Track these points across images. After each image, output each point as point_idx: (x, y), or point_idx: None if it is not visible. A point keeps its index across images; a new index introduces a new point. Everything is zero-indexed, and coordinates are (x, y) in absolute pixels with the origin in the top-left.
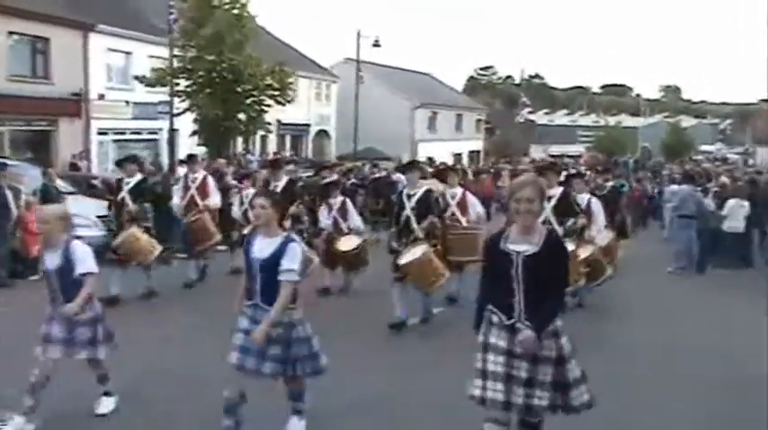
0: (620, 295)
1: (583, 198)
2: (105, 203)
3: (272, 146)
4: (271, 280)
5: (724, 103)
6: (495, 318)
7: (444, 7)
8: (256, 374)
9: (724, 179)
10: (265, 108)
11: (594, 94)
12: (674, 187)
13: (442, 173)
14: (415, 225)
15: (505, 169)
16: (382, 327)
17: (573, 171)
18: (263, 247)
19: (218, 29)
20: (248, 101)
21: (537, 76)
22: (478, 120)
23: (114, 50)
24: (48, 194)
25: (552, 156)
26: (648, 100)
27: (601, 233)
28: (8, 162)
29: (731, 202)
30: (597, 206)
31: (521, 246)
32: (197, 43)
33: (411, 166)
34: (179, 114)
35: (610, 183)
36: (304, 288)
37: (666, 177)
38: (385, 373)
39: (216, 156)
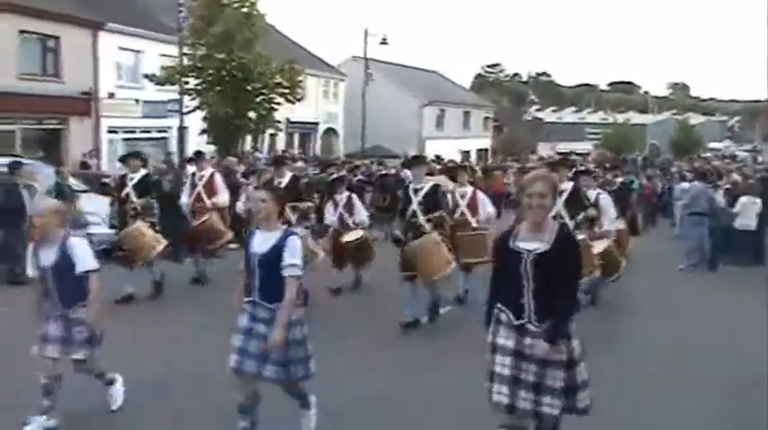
0: (632, 293)
1: (591, 194)
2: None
3: (280, 144)
4: (269, 275)
5: (732, 101)
6: (503, 317)
7: (451, 5)
8: (257, 378)
9: (735, 176)
10: (275, 106)
11: (602, 91)
12: (685, 184)
13: (451, 171)
14: (422, 219)
15: (513, 167)
16: (385, 326)
17: (581, 168)
18: (262, 242)
19: (227, 27)
20: (258, 99)
21: (544, 73)
22: (486, 118)
23: (124, 49)
24: (61, 193)
25: (560, 153)
26: (656, 97)
27: (612, 224)
28: (23, 160)
29: (743, 200)
30: (606, 201)
31: (531, 244)
32: (206, 41)
33: (417, 161)
34: (189, 112)
35: (619, 180)
36: (313, 286)
37: (676, 175)
38: (387, 373)
39: (225, 154)
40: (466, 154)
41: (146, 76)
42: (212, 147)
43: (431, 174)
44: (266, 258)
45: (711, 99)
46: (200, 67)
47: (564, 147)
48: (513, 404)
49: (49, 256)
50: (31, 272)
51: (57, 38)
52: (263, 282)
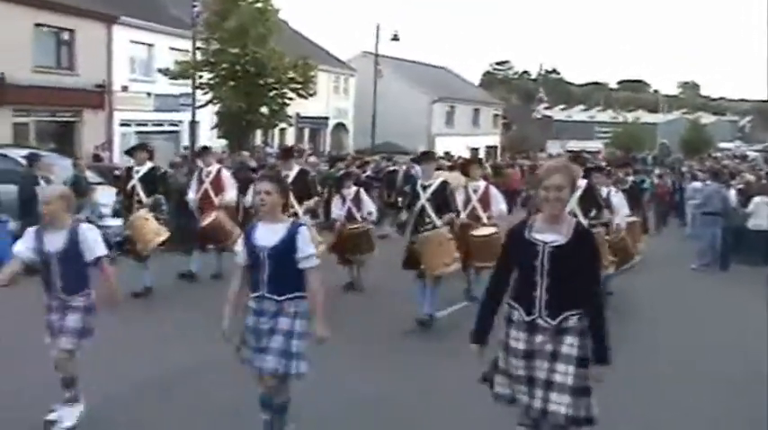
0: (643, 292)
1: (603, 191)
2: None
3: (290, 139)
4: (280, 268)
5: (743, 100)
6: (515, 315)
7: (459, 1)
8: (260, 372)
9: (749, 176)
10: (287, 101)
11: (611, 89)
12: (697, 184)
13: (464, 166)
14: (432, 215)
15: (524, 164)
16: (387, 325)
17: (593, 165)
18: (268, 235)
19: (242, 22)
20: (271, 94)
21: (554, 71)
22: (495, 115)
23: (137, 42)
24: (78, 185)
25: (570, 151)
26: (666, 96)
27: (624, 219)
28: (41, 153)
29: (756, 200)
30: (618, 198)
31: (547, 236)
32: (220, 36)
33: (426, 157)
34: (202, 106)
35: (630, 178)
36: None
37: (687, 174)
38: (387, 372)
39: (237, 149)
40: (475, 151)
41: (160, 71)
42: (223, 142)
43: (439, 169)
44: (276, 251)
45: (722, 98)
46: (213, 61)
47: (573, 145)
48: (530, 405)
49: (54, 242)
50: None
51: (71, 31)
52: (272, 275)
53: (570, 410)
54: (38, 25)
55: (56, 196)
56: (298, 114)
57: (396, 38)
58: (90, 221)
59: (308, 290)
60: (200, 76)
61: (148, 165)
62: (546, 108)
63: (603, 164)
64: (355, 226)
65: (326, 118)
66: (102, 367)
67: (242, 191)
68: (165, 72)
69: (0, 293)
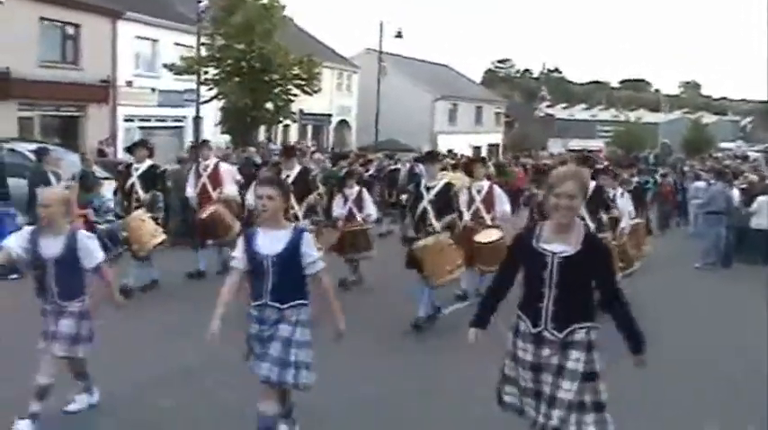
0: (648, 292)
1: (610, 193)
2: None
3: (293, 136)
4: (284, 276)
5: (743, 100)
6: (522, 327)
7: None
8: (263, 379)
9: (752, 176)
10: (292, 98)
11: (613, 88)
12: (700, 184)
13: (467, 165)
14: (432, 219)
15: (527, 163)
16: (386, 325)
17: (600, 166)
18: (271, 242)
19: (248, 17)
20: (276, 90)
21: (556, 69)
22: (498, 113)
23: (142, 38)
24: (86, 180)
25: (571, 150)
26: (668, 95)
27: (630, 223)
28: (49, 147)
29: (760, 199)
30: (624, 201)
31: (556, 247)
32: (225, 32)
33: (430, 158)
34: (206, 102)
35: (635, 179)
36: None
37: (690, 174)
38: (386, 373)
39: (243, 145)
40: (477, 149)
41: (165, 66)
42: (227, 137)
43: (444, 169)
44: (281, 259)
45: (723, 98)
46: (218, 57)
47: (575, 144)
48: (536, 420)
49: (51, 247)
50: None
51: (77, 25)
52: (276, 283)
53: (573, 428)
54: (43, 19)
55: (56, 199)
56: (301, 111)
57: (399, 35)
58: (97, 215)
59: (320, 291)
60: (206, 72)
61: (148, 162)
62: (548, 106)
63: (605, 163)
64: (353, 226)
65: (329, 115)
66: (108, 364)
67: (247, 187)
68: (170, 67)
69: (0, 291)
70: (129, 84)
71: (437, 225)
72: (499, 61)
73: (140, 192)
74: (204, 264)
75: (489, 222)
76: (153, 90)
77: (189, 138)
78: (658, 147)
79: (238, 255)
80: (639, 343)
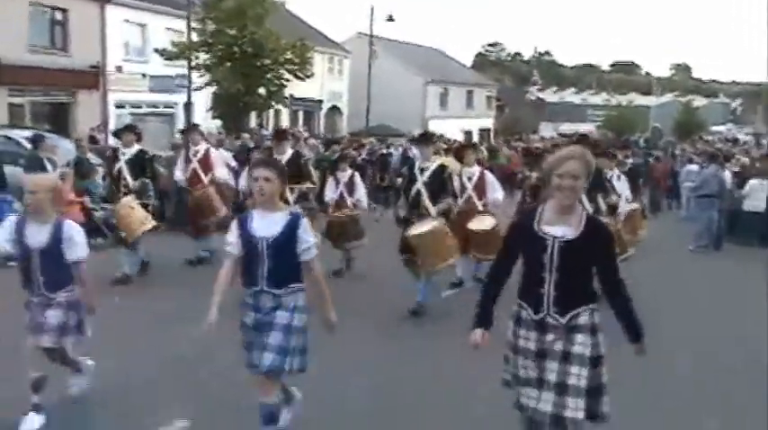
0: (643, 276)
1: (607, 175)
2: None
3: (285, 121)
4: (280, 260)
5: (734, 82)
6: (523, 314)
7: None
8: (257, 369)
9: (744, 159)
10: (285, 83)
11: (603, 71)
12: (692, 167)
13: (459, 151)
14: (426, 201)
15: (518, 146)
16: (381, 312)
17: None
18: (266, 225)
19: (239, 2)
20: (268, 75)
21: (546, 53)
22: (489, 97)
23: (131, 23)
24: (81, 166)
25: (563, 134)
26: (659, 78)
27: (626, 207)
28: (44, 134)
29: (753, 182)
30: (621, 183)
31: (557, 230)
32: (216, 16)
33: (424, 139)
34: (199, 88)
35: (630, 161)
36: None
37: (682, 157)
38: (382, 361)
39: (235, 131)
40: (468, 134)
41: (156, 51)
42: (218, 123)
43: (437, 152)
44: (277, 242)
45: (713, 81)
46: (210, 42)
47: (566, 128)
48: (537, 408)
49: (37, 236)
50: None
51: (65, 10)
52: (271, 268)
53: (584, 415)
54: (32, 4)
55: (44, 186)
56: (292, 96)
57: (391, 19)
58: (93, 202)
59: (312, 279)
60: (197, 57)
61: (136, 147)
62: (539, 90)
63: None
64: (341, 214)
65: (320, 100)
66: (100, 353)
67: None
68: (161, 52)
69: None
70: (119, 69)
71: (431, 208)
72: (489, 45)
73: (128, 178)
74: (204, 248)
75: (481, 208)
76: (144, 76)
77: (180, 125)
78: (649, 131)
79: (233, 239)
80: (638, 334)
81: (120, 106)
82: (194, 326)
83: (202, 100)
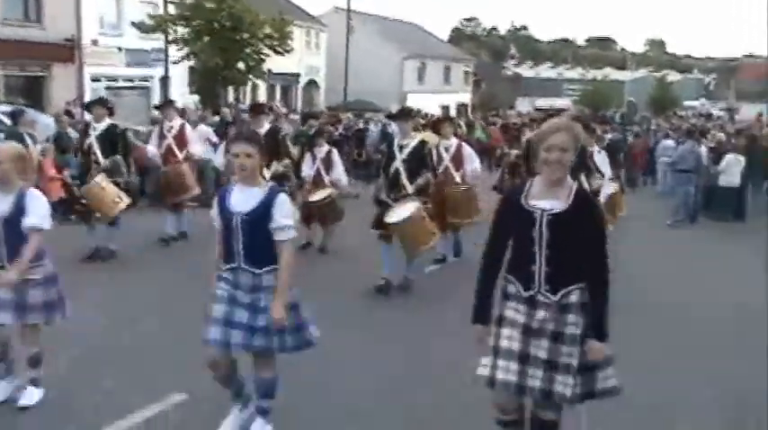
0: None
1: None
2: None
3: (262, 96)
4: (255, 237)
5: (708, 58)
6: (511, 289)
7: None
8: (245, 349)
9: (720, 135)
10: (264, 57)
11: (579, 46)
12: (669, 142)
13: (435, 124)
14: (405, 180)
15: (496, 122)
16: (359, 291)
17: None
18: (243, 199)
19: None
20: (247, 50)
21: (523, 27)
22: (466, 73)
23: None
24: (61, 141)
25: (539, 109)
26: (633, 54)
27: (608, 186)
28: (24, 109)
29: (729, 157)
30: (601, 158)
31: (545, 203)
32: None
33: (403, 115)
34: (177, 62)
35: (608, 136)
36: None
37: (658, 133)
38: (362, 342)
39: (213, 106)
40: (446, 109)
41: (134, 24)
42: (196, 98)
43: (416, 129)
44: (251, 217)
45: (687, 56)
46: (188, 15)
47: (542, 103)
48: (522, 384)
49: (1, 206)
50: None
51: None
52: (247, 245)
53: (577, 390)
54: None
55: (11, 155)
56: (270, 71)
57: None
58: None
59: (279, 263)
60: (175, 31)
61: (107, 122)
62: (515, 65)
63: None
64: (319, 199)
65: (298, 75)
66: (78, 334)
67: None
68: (139, 26)
69: None
70: (95, 43)
71: (409, 187)
72: (466, 19)
73: (98, 154)
74: (177, 227)
75: (459, 180)
76: (119, 49)
77: (156, 99)
78: (624, 106)
79: (213, 214)
80: (602, 334)
81: (95, 80)
82: (174, 308)
83: (179, 74)
